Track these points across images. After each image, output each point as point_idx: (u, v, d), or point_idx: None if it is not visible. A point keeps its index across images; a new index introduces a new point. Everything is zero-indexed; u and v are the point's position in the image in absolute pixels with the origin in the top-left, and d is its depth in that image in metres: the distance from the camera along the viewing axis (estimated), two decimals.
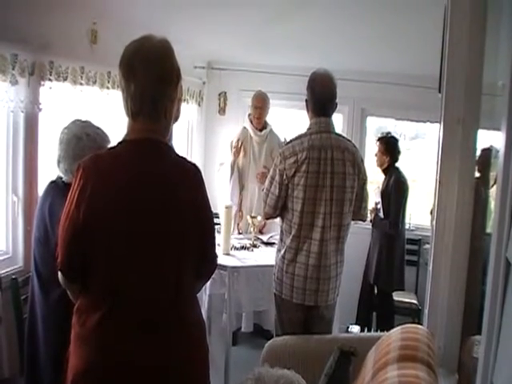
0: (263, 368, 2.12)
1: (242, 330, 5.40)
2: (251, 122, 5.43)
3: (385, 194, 5.30)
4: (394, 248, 5.34)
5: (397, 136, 5.69)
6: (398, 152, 5.41)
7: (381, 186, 5.39)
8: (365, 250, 5.59)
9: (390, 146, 5.36)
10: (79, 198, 1.97)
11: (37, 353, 2.94)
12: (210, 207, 2.21)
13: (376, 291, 5.53)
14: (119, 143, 2.12)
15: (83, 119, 3.04)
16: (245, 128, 5.49)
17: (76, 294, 2.11)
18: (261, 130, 5.42)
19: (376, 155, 5.44)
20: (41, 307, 2.90)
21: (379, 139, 5.44)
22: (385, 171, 5.42)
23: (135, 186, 2.02)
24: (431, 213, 5.04)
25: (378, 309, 5.53)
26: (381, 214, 5.30)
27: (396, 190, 5.25)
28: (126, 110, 2.10)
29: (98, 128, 3.01)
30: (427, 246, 5.21)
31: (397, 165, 5.41)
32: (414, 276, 5.86)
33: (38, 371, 2.93)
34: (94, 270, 2.01)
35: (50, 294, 2.82)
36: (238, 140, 5.39)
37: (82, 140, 2.89)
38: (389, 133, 5.54)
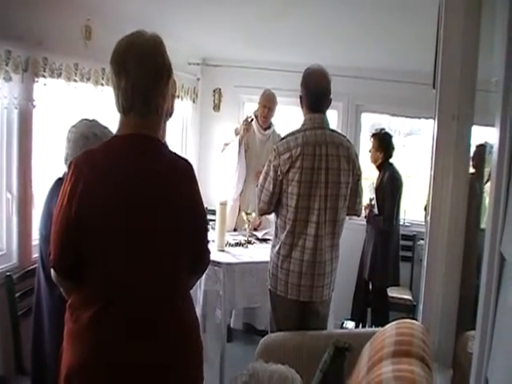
0: (257, 363, 2.12)
1: (231, 326, 5.39)
2: (257, 118, 5.40)
3: (379, 190, 5.31)
4: (388, 244, 5.35)
5: (391, 132, 5.70)
6: (392, 148, 5.42)
7: (375, 182, 5.40)
8: (359, 246, 5.60)
9: (383, 143, 5.36)
10: (71, 194, 1.97)
11: (42, 347, 2.96)
12: (202, 202, 2.21)
13: (371, 287, 5.54)
14: (111, 139, 2.13)
15: (90, 118, 3.10)
16: (252, 120, 5.44)
17: (69, 291, 2.11)
18: (265, 130, 5.40)
19: (370, 151, 5.44)
20: (46, 302, 2.93)
21: (373, 135, 5.45)
22: (379, 167, 5.43)
23: (127, 181, 2.02)
24: (425, 209, 5.07)
25: (372, 305, 5.54)
26: (375, 210, 5.31)
27: (390, 186, 5.26)
28: (117, 106, 2.10)
29: (105, 127, 3.04)
30: (421, 241, 5.22)
31: (391, 161, 5.42)
32: (408, 272, 5.87)
33: (43, 365, 2.95)
34: (88, 266, 2.01)
35: (55, 289, 2.82)
36: (250, 117, 5.31)
37: (90, 139, 2.93)
38: (383, 129, 5.55)
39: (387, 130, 5.65)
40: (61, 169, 3.04)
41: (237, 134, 5.40)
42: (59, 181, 3.03)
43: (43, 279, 2.94)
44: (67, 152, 2.98)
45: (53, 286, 2.83)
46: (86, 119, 3.07)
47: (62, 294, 2.61)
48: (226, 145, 5.44)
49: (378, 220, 5.29)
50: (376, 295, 5.50)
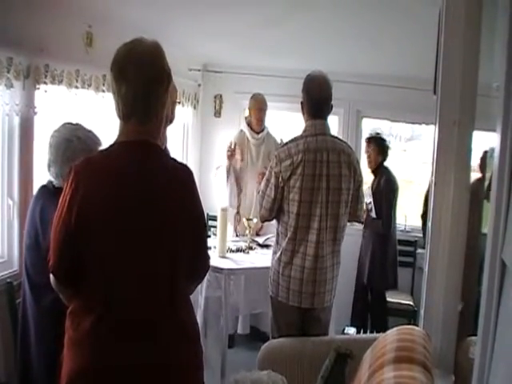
0: (240, 374, 2.13)
1: (238, 332, 5.40)
2: (249, 124, 5.41)
3: (376, 193, 5.31)
4: (386, 247, 5.38)
5: (391, 137, 5.74)
6: (388, 151, 5.47)
7: (371, 186, 5.40)
8: (356, 251, 5.58)
9: (382, 146, 5.42)
10: (71, 201, 1.98)
11: (29, 358, 2.92)
12: (201, 207, 2.22)
13: (370, 291, 5.54)
14: (111, 145, 2.13)
15: (74, 122, 3.04)
16: (242, 131, 5.47)
17: (69, 298, 2.11)
18: (258, 133, 5.40)
19: (369, 155, 5.45)
20: (32, 313, 2.89)
21: (371, 139, 5.47)
22: (375, 171, 5.45)
23: (127, 187, 2.03)
24: (422, 217, 5.08)
25: (371, 309, 5.53)
26: (373, 214, 5.31)
27: (387, 190, 5.30)
28: (117, 112, 2.11)
29: (89, 131, 3.00)
30: (421, 250, 5.22)
31: (385, 164, 5.45)
32: (409, 277, 5.86)
33: (31, 376, 2.92)
34: (87, 272, 2.01)
35: (41, 300, 2.80)
36: (232, 143, 5.35)
37: (73, 143, 2.88)
38: (378, 133, 5.59)
39: (388, 135, 5.68)
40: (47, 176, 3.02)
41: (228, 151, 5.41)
42: (42, 188, 3.01)
43: (28, 289, 2.90)
44: (49, 157, 2.92)
45: (38, 296, 2.82)
46: (68, 123, 3.02)
47: (47, 305, 2.60)
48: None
49: (376, 224, 5.29)
50: (375, 299, 5.50)
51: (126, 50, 2.08)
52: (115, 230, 2.01)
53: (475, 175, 4.30)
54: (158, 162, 2.13)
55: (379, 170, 5.41)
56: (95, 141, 2.96)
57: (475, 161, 4.54)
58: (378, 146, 5.39)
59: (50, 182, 2.97)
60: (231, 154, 5.30)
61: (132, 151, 2.08)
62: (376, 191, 5.33)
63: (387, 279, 5.39)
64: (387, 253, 5.39)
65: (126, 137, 2.09)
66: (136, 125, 2.08)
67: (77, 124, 3.02)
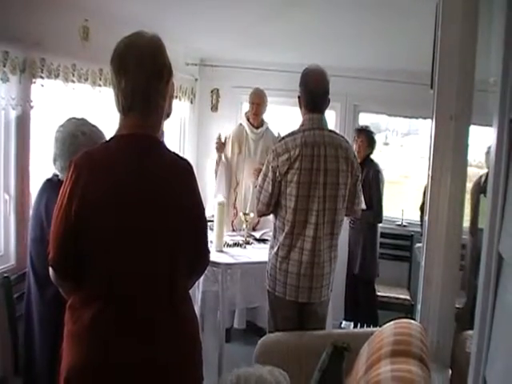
0: (242, 369, 2.12)
1: (235, 326, 5.41)
2: (248, 119, 5.41)
3: (365, 184, 5.34)
4: (375, 238, 5.45)
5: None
6: (375, 145, 5.63)
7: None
8: (344, 242, 5.56)
9: (371, 139, 5.51)
10: (71, 194, 1.97)
11: (33, 350, 2.94)
12: (201, 203, 2.22)
13: (360, 282, 5.56)
14: (111, 139, 2.13)
15: (79, 117, 3.08)
16: (241, 125, 5.48)
17: (68, 291, 2.11)
18: (257, 128, 5.40)
19: (359, 146, 5.50)
20: (37, 305, 2.91)
21: (361, 131, 5.55)
22: (362, 163, 5.49)
23: (127, 181, 2.02)
24: (421, 208, 5.12)
25: (363, 299, 5.55)
26: (363, 205, 5.33)
27: (376, 181, 5.39)
28: (117, 106, 2.11)
29: (94, 126, 3.03)
30: (418, 244, 5.26)
31: (371, 157, 5.54)
32: (406, 272, 5.88)
33: (34, 368, 2.94)
34: (87, 266, 2.01)
35: (46, 292, 2.82)
36: (221, 135, 5.39)
37: (78, 138, 2.92)
38: (367, 126, 5.64)
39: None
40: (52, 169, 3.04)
41: (216, 143, 5.43)
42: (47, 182, 3.03)
43: (33, 282, 2.92)
44: (55, 152, 2.96)
45: (43, 288, 2.83)
46: (74, 118, 3.05)
47: (52, 297, 2.59)
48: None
49: (367, 214, 5.31)
50: (366, 290, 5.53)
51: (126, 43, 2.08)
52: (115, 224, 2.00)
53: (481, 171, 4.32)
54: (158, 156, 2.12)
55: (366, 162, 5.47)
56: (100, 136, 2.98)
57: (481, 156, 4.59)
58: (368, 138, 5.47)
59: (56, 176, 3.00)
60: (219, 146, 5.33)
61: (132, 145, 2.07)
62: (365, 182, 5.35)
63: (376, 269, 5.46)
64: (376, 243, 5.48)
65: (125, 130, 2.09)
66: (136, 118, 2.08)
67: (82, 119, 3.06)
